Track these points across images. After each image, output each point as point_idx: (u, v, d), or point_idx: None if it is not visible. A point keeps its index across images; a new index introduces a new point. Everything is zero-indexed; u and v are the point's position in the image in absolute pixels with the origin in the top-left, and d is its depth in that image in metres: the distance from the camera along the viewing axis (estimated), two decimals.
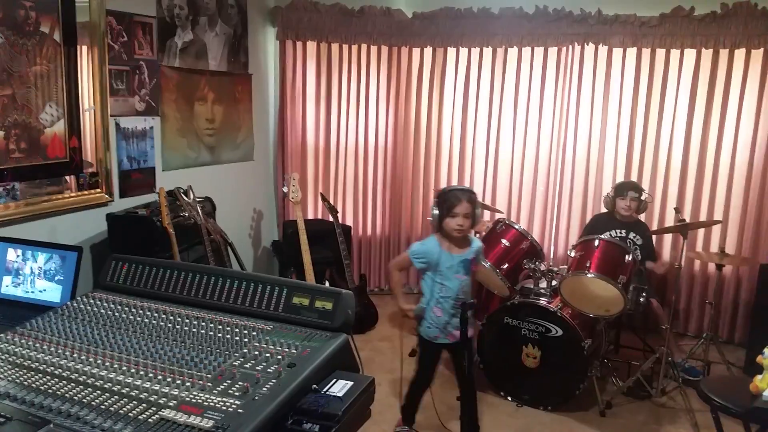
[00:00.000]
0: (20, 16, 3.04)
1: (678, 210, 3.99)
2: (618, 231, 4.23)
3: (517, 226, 3.89)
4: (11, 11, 3.00)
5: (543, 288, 3.73)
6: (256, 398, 1.35)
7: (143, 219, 3.46)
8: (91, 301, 1.88)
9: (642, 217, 4.38)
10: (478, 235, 4.17)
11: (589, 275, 3.43)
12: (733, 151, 4.64)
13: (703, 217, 4.75)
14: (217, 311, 1.79)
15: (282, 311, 1.74)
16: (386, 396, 3.61)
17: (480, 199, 5.09)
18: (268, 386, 1.40)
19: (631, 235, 4.21)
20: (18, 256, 2.62)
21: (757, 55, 4.47)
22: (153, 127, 4.02)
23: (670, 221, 4.76)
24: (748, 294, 4.61)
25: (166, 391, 1.39)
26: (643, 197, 4.19)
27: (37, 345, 1.63)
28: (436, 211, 3.02)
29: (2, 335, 1.69)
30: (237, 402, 1.34)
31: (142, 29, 3.86)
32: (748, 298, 4.62)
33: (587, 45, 4.87)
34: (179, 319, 1.75)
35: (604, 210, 4.46)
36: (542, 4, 4.88)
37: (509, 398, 3.74)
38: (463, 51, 5.21)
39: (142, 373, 1.48)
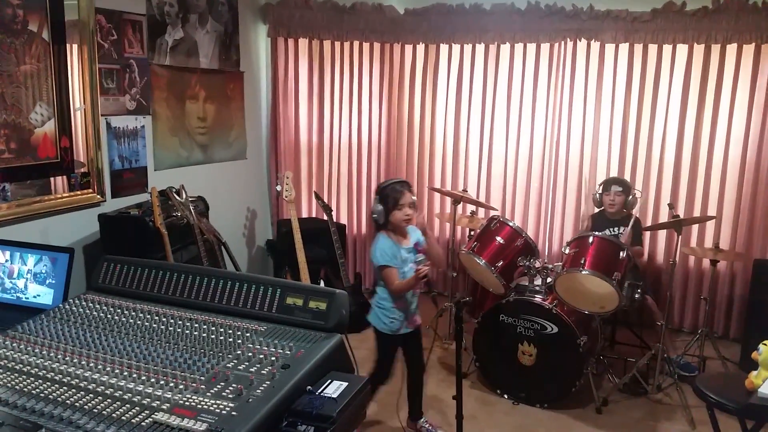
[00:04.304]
0: (7, 15, 3.01)
1: (672, 206, 3.99)
2: (611, 230, 4.24)
3: (511, 224, 3.87)
4: None
5: (538, 285, 3.73)
6: (250, 400, 1.34)
7: (135, 219, 3.43)
8: (83, 303, 1.86)
9: (636, 213, 4.37)
10: (473, 233, 4.17)
11: (583, 272, 3.42)
12: (726, 146, 4.64)
13: (696, 213, 4.75)
14: (211, 312, 1.77)
15: (276, 312, 1.72)
16: (382, 396, 3.60)
17: (474, 196, 5.13)
18: (262, 388, 1.38)
19: (621, 229, 4.21)
20: (8, 258, 2.59)
21: (749, 50, 4.47)
22: (144, 126, 3.99)
23: (664, 217, 4.77)
24: (743, 289, 4.62)
25: (159, 393, 1.38)
26: (631, 194, 4.20)
27: (29, 348, 1.61)
28: (380, 207, 3.02)
29: None
30: (231, 404, 1.32)
31: (132, 27, 3.82)
32: (742, 293, 4.63)
33: (579, 41, 4.86)
34: (172, 321, 1.73)
35: (596, 210, 4.48)
36: None
37: (505, 396, 3.73)
38: (456, 47, 5.19)
39: (134, 375, 1.46)
